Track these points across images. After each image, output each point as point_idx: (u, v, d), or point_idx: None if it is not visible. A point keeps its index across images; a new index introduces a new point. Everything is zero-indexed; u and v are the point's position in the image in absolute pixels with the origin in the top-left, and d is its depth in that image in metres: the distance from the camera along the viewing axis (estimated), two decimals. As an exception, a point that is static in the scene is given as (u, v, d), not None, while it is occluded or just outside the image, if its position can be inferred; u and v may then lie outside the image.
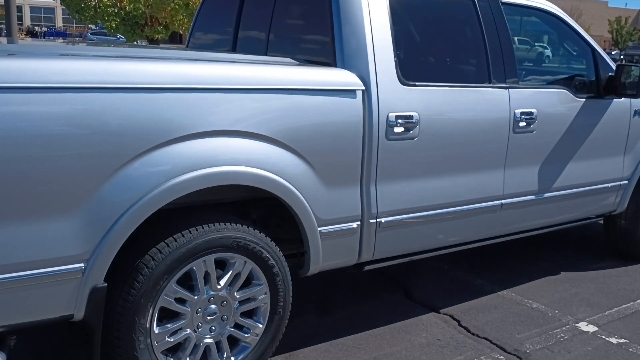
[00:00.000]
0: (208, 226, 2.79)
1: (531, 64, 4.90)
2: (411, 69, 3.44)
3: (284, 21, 3.72)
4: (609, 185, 4.57)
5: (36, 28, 64.73)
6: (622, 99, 4.51)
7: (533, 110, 3.93)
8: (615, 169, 4.60)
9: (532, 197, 4.08)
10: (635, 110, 4.63)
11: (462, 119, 3.58)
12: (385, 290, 4.40)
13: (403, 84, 3.33)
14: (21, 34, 62.01)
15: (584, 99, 4.26)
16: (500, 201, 3.89)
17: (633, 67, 4.27)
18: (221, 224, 2.83)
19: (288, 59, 3.40)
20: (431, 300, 4.22)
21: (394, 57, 3.31)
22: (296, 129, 2.96)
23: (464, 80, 3.65)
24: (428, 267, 4.83)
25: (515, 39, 4.18)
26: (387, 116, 3.25)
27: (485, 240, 4.06)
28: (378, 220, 3.34)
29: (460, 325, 3.89)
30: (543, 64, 5.11)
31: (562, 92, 4.15)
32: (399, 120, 3.29)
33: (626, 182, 4.70)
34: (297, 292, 4.16)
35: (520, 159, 3.94)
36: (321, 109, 3.04)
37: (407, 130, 3.34)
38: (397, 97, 3.30)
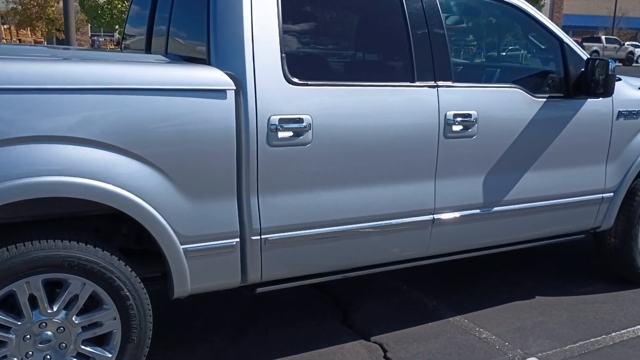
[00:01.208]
0: (31, 244, 2.50)
1: (482, 60, 4.34)
2: (305, 66, 3.04)
3: (178, 18, 3.39)
4: (586, 198, 3.97)
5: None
6: (601, 98, 3.90)
7: (472, 112, 3.41)
8: (595, 179, 3.99)
9: (477, 211, 3.56)
10: (620, 111, 4.00)
11: (372, 123, 3.13)
12: (324, 310, 3.98)
13: (292, 83, 2.93)
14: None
15: (545, 99, 3.69)
16: (431, 216, 3.40)
17: (601, 61, 3.66)
18: (48, 241, 2.53)
19: (159, 57, 3.08)
20: (367, 325, 3.77)
21: (281, 53, 2.92)
22: (147, 136, 2.62)
23: (376, 79, 3.19)
24: (384, 285, 4.37)
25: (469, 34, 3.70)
26: (269, 119, 2.86)
27: (426, 258, 3.58)
28: (263, 237, 2.96)
29: (385, 356, 3.43)
30: (498, 60, 4.53)
31: (515, 92, 3.60)
32: (285, 124, 2.90)
33: (611, 194, 4.07)
34: (214, 311, 3.85)
35: (457, 168, 3.44)
36: (180, 112, 2.68)
37: (296, 135, 2.93)
38: (283, 98, 2.91)
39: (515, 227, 3.77)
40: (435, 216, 3.42)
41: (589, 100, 3.85)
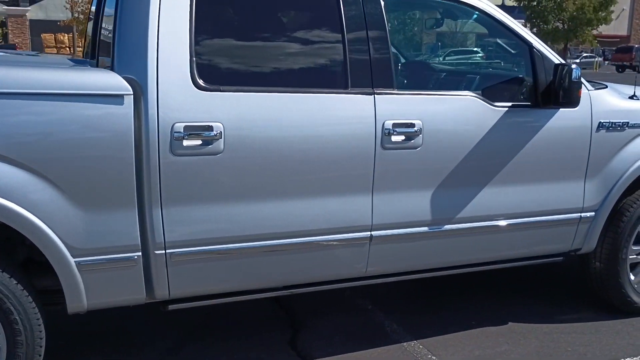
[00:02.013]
0: None
1: (436, 66, 4.04)
2: (219, 71, 2.87)
3: (104, 21, 3.28)
4: (561, 217, 3.61)
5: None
6: (577, 108, 3.54)
7: (416, 121, 3.15)
8: (571, 197, 3.62)
9: (425, 229, 3.28)
10: (601, 123, 3.62)
11: (297, 133, 2.92)
12: (276, 328, 3.77)
13: (202, 88, 2.76)
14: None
15: (507, 109, 3.37)
16: (368, 233, 3.15)
17: (568, 68, 3.31)
18: None
19: (67, 61, 2.96)
20: (312, 348, 3.54)
21: (191, 57, 2.75)
22: (32, 144, 2.50)
23: (303, 85, 2.98)
24: (348, 304, 4.13)
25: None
26: (173, 127, 2.70)
27: (371, 278, 3.33)
28: (168, 251, 2.79)
29: (314, 381, 3.21)
30: (455, 66, 4.20)
31: (470, 100, 3.31)
32: (191, 132, 2.73)
33: (591, 214, 3.69)
34: (155, 323, 3.68)
35: (399, 182, 3.18)
36: (69, 119, 2.55)
37: (205, 144, 2.76)
38: (190, 104, 2.74)
39: (474, 247, 3.47)
40: (374, 233, 3.16)
41: (561, 110, 3.50)
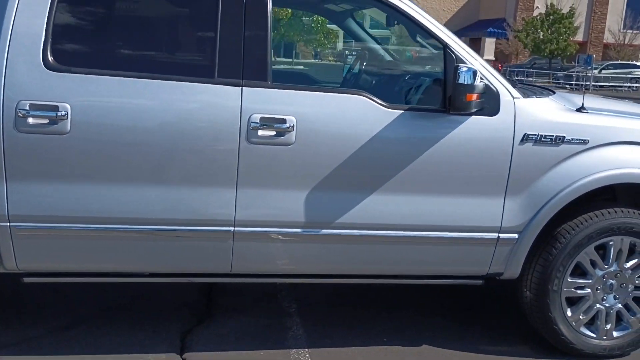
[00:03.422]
0: None
1: (325, 62, 3.73)
2: (74, 53, 2.94)
3: None
4: (472, 235, 3.26)
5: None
6: (497, 116, 3.20)
7: (288, 117, 3.00)
8: (485, 215, 3.26)
9: (297, 230, 3.12)
10: (527, 135, 3.23)
11: (146, 118, 2.91)
12: (181, 319, 3.74)
13: (52, 69, 2.83)
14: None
15: (402, 111, 3.12)
16: (230, 228, 3.06)
17: (458, 68, 2.97)
18: None
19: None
20: (199, 342, 3.49)
21: (45, 37, 2.83)
22: None
23: (163, 71, 2.95)
24: (270, 305, 4.02)
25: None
26: (17, 104, 2.80)
27: (239, 276, 3.24)
28: (12, 224, 2.89)
29: (173, 374, 3.17)
30: (349, 63, 3.85)
31: (357, 99, 3.10)
32: (36, 111, 2.81)
33: (514, 236, 3.30)
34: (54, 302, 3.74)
35: (267, 178, 3.05)
36: None
37: (51, 123, 2.83)
38: (37, 83, 2.82)
39: (363, 257, 3.24)
40: (237, 229, 3.06)
41: (475, 117, 3.17)
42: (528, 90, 3.72)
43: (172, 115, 2.94)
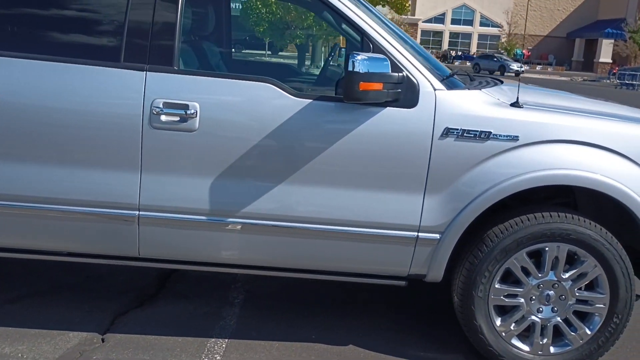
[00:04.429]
0: None
1: (238, 50, 3.60)
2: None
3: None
4: (387, 233, 3.11)
5: (452, 52, 69.09)
6: (415, 108, 3.05)
7: (191, 103, 3.00)
8: (403, 212, 3.10)
9: (202, 217, 3.10)
10: (448, 129, 3.05)
11: (51, 101, 3.00)
12: (124, 300, 3.83)
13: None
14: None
15: (311, 101, 3.03)
16: (135, 212, 3.09)
17: (355, 58, 2.82)
18: None
19: None
20: (126, 324, 3.55)
21: None
22: None
23: (70, 55, 3.03)
24: (218, 293, 4.02)
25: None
26: None
27: (148, 260, 3.25)
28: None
29: (88, 350, 3.25)
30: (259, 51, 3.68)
31: (264, 87, 3.04)
32: (-50, 91, 2.97)
33: (435, 236, 3.12)
34: None
35: (171, 164, 3.06)
36: None
37: (-41, 104, 2.98)
38: None
39: (271, 248, 3.17)
40: (142, 213, 3.09)
41: (389, 109, 3.03)
42: (479, 82, 3.52)
43: (78, 98, 3.01)
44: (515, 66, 46.25)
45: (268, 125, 3.02)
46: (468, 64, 64.36)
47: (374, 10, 3.40)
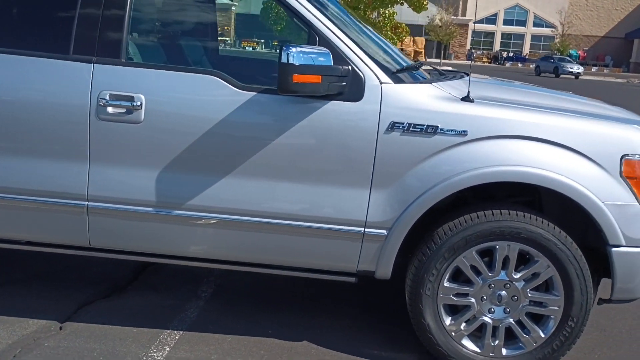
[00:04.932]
0: None
1: (187, 43, 3.56)
2: None
3: None
4: (333, 227, 3.07)
5: (503, 54, 67.91)
6: (361, 101, 3.00)
7: (137, 95, 3.03)
8: (349, 207, 3.06)
9: (149, 209, 3.13)
10: (394, 123, 2.99)
11: (2, 90, 3.08)
12: (98, 289, 3.90)
13: None
14: (482, 59, 65.96)
15: (256, 93, 3.02)
16: (84, 202, 3.14)
17: (289, 49, 2.78)
18: None
19: None
20: (87, 313, 3.61)
21: None
22: None
23: (21, 47, 3.11)
24: (188, 287, 4.05)
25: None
26: None
27: (99, 251, 3.29)
28: None
29: (41, 338, 3.32)
30: (209, 44, 3.62)
31: (209, 79, 3.05)
32: None
33: (382, 232, 3.07)
34: None
35: (118, 156, 3.10)
36: None
37: None
38: None
39: (216, 241, 3.17)
40: (90, 204, 3.14)
41: (334, 102, 3.00)
42: (439, 77, 3.44)
43: (30, 90, 3.08)
44: (573, 68, 44.74)
45: (212, 118, 3.03)
46: (520, 65, 63.25)
47: (330, 3, 3.36)
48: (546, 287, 3.10)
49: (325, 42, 3.01)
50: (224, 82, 3.03)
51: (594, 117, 3.11)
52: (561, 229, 3.07)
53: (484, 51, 70.48)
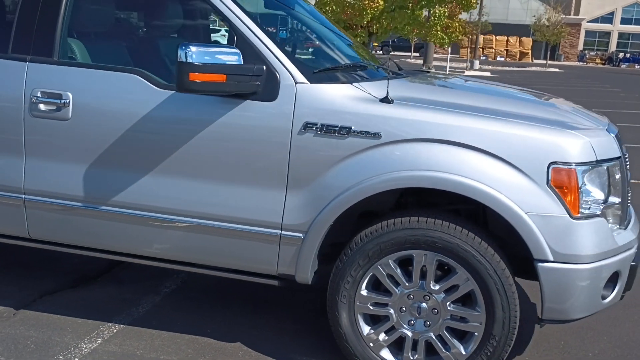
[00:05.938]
0: None
1: (116, 42, 3.49)
2: None
3: None
4: (248, 229, 3.02)
5: (619, 54, 64.18)
6: (275, 102, 2.94)
7: (64, 93, 3.13)
8: (263, 209, 2.99)
9: (77, 204, 3.21)
10: (307, 123, 2.90)
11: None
12: (68, 281, 4.06)
13: None
14: (595, 60, 62.57)
15: (173, 92, 3.03)
16: (21, 195, 3.28)
17: (187, 48, 2.73)
18: None
19: None
20: (52, 303, 3.76)
21: None
22: None
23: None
24: (153, 282, 4.12)
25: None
26: None
27: (41, 242, 3.41)
28: None
29: (-13, 323, 3.49)
30: (134, 41, 3.51)
31: (129, 77, 3.08)
32: None
33: (299, 235, 2.99)
34: None
35: (49, 151, 3.21)
36: None
37: None
38: None
39: (141, 237, 3.20)
40: (27, 197, 3.27)
41: (248, 101, 2.95)
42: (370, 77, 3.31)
43: (-31, 88, 3.25)
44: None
45: (132, 116, 3.06)
46: (637, 67, 59.51)
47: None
48: (470, 301, 2.90)
49: (242, 40, 2.97)
50: (144, 80, 3.06)
51: (525, 121, 2.87)
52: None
53: (598, 52, 66.90)
